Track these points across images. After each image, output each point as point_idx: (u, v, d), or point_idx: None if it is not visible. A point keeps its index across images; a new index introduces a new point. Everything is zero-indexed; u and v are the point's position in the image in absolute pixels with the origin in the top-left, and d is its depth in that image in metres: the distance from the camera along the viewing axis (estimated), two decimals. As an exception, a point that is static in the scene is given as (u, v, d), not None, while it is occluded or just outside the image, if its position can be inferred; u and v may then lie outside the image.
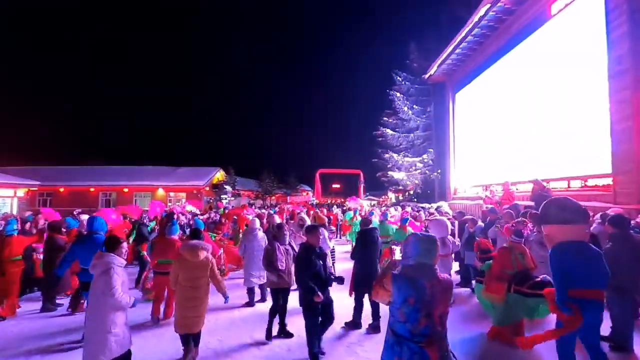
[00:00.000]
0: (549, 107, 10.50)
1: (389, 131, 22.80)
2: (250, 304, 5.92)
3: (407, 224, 8.26)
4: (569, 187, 9.57)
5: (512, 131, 12.48)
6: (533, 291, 3.90)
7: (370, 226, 5.25)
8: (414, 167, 22.16)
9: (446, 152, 18.66)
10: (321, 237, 4.19)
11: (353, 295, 4.86)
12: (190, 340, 3.85)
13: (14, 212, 20.78)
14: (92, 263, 3.21)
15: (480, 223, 6.52)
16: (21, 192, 23.39)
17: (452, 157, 18.01)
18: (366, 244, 4.94)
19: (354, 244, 7.28)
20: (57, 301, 6.01)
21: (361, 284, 4.72)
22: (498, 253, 4.48)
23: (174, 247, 5.15)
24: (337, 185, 41.97)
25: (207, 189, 29.64)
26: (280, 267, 4.59)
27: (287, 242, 4.95)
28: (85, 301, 4.22)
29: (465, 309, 5.55)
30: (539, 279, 4.02)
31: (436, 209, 12.80)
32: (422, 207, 13.18)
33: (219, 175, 31.87)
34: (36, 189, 25.06)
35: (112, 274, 3.06)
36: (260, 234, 6.26)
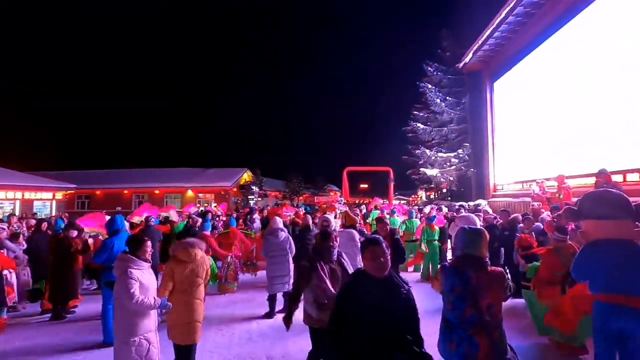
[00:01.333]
0: (601, 92, 9.20)
1: (420, 125, 21.44)
2: (270, 314, 5.30)
3: (434, 222, 7.71)
4: (624, 180, 8.33)
5: (559, 121, 11.08)
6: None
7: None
8: (448, 163, 20.77)
9: (484, 146, 17.24)
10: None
11: None
12: (183, 356, 3.25)
13: (53, 214, 21.62)
14: (114, 265, 3.20)
15: (537, 223, 5.53)
16: (59, 195, 24.34)
17: (490, 152, 16.59)
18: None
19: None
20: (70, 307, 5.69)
21: None
22: (544, 256, 4.00)
23: (205, 242, 4.92)
24: (366, 185, 40.72)
25: (235, 189, 29.70)
26: (323, 300, 2.86)
27: (334, 259, 3.06)
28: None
29: (521, 324, 4.70)
30: None
31: (475, 208, 11.73)
32: (461, 206, 12.09)
33: (246, 176, 31.91)
34: (73, 191, 26.02)
35: (126, 277, 2.97)
36: (284, 234, 5.64)
